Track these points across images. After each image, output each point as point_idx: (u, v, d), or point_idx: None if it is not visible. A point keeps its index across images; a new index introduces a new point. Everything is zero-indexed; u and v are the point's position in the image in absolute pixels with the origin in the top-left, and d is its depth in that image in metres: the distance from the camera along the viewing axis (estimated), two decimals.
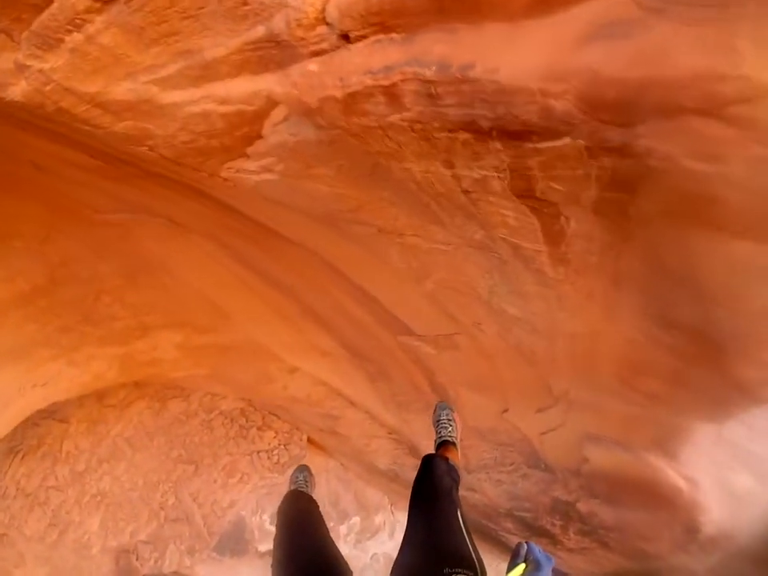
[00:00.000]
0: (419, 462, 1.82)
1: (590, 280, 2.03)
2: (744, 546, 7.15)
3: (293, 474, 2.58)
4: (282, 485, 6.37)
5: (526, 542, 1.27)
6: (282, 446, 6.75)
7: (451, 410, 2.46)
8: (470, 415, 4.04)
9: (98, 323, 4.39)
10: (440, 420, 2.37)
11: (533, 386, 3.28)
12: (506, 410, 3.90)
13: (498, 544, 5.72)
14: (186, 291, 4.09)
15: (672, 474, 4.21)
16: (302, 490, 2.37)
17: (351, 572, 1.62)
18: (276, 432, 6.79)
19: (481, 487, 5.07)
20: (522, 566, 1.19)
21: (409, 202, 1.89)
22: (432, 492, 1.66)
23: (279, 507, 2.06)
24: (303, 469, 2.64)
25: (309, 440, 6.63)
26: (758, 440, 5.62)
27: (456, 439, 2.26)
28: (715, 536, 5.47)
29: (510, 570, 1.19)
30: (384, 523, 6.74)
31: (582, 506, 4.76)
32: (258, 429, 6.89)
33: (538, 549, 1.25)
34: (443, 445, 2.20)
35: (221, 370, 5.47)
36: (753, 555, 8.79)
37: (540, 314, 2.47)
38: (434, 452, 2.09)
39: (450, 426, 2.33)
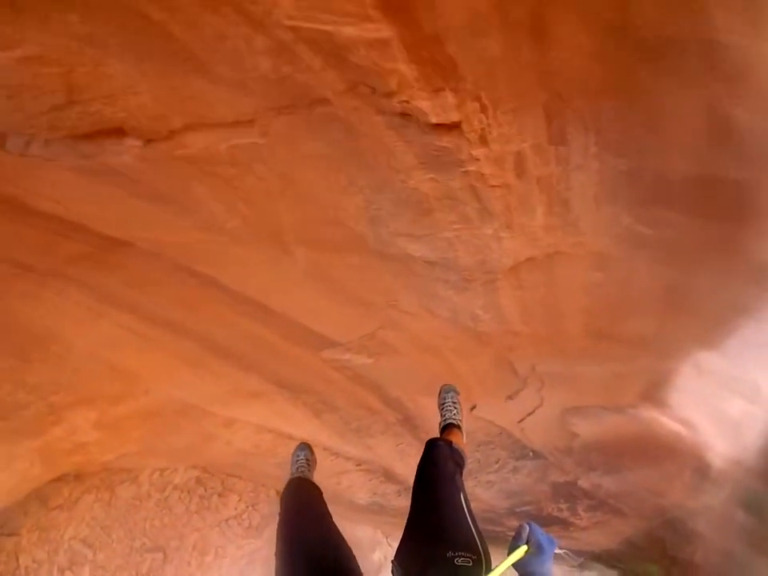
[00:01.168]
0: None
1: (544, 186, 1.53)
2: (753, 466, 7.01)
3: (293, 454, 2.45)
4: (262, 549, 5.81)
5: (528, 523, 1.20)
6: (250, 508, 6.08)
7: (456, 392, 2.38)
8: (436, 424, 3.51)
9: (6, 416, 3.63)
10: (444, 403, 2.29)
11: (494, 371, 2.78)
12: (473, 407, 3.36)
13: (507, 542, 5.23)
14: (80, 357, 3.38)
15: (667, 421, 3.81)
16: (304, 475, 2.26)
17: (357, 563, 1.57)
18: (239, 494, 6.09)
19: (473, 493, 4.52)
20: (524, 547, 1.13)
21: None
22: (435, 477, 1.62)
23: (282, 495, 2.00)
24: (303, 447, 2.49)
25: (278, 493, 5.88)
26: (735, 365, 5.39)
27: (461, 422, 2.19)
28: (725, 467, 5.17)
29: (511, 551, 1.14)
30: (384, 558, 6.07)
31: (584, 482, 4.32)
32: (220, 495, 6.23)
33: (540, 530, 1.18)
34: (447, 428, 2.12)
35: (153, 442, 4.71)
36: (762, 471, 8.73)
37: (463, 241, 1.93)
38: (437, 436, 2.00)
39: (455, 408, 2.26)
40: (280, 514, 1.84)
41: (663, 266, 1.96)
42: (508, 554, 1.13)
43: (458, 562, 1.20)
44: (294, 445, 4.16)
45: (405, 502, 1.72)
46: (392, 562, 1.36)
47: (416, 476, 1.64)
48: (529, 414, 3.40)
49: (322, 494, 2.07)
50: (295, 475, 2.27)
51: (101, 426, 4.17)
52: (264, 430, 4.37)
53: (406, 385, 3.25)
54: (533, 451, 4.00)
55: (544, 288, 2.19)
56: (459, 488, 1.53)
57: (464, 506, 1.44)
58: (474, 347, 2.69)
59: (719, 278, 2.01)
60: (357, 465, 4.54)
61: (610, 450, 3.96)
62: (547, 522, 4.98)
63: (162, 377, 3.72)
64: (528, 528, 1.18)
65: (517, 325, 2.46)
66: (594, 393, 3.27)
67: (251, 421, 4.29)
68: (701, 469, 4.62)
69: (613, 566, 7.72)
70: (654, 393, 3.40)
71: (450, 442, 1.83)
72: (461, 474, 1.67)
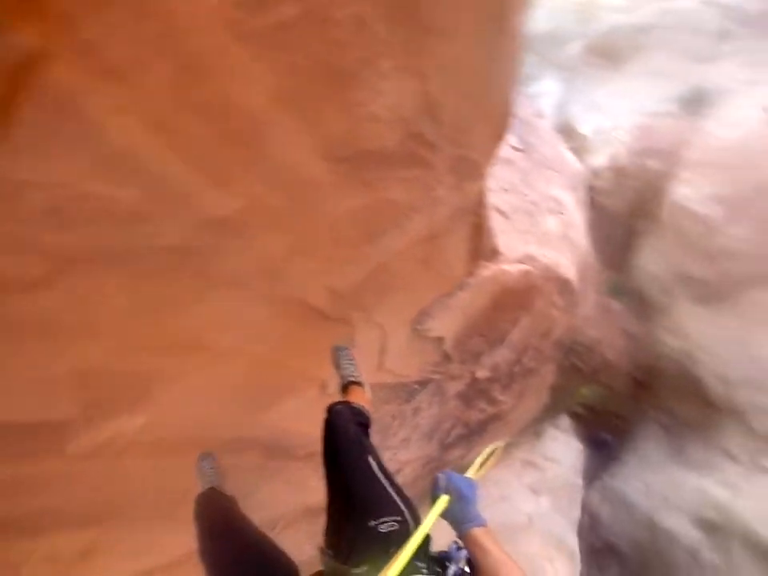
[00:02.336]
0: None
1: None
2: (593, 252, 7.50)
3: (198, 465, 2.22)
4: None
5: (443, 472, 1.18)
6: None
7: (348, 349, 2.27)
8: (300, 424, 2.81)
9: None
10: (340, 361, 2.18)
11: (295, 332, 2.10)
12: (323, 387, 2.66)
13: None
14: None
15: (509, 267, 3.52)
16: (213, 486, 2.07)
17: (290, 560, 1.51)
18: None
19: (401, 461, 3.96)
20: (445, 497, 1.11)
21: None
22: (338, 447, 1.50)
23: (195, 514, 1.84)
24: (206, 456, 2.27)
25: None
26: (533, 191, 5.49)
27: (360, 377, 2.08)
28: (577, 272, 5.27)
29: (433, 503, 1.11)
30: None
31: (481, 372, 3.98)
32: None
33: (456, 476, 1.16)
34: (347, 387, 2.01)
35: None
36: (604, 259, 9.54)
37: None
38: (336, 400, 1.80)
39: (351, 364, 2.16)
40: (198, 538, 1.71)
41: None
42: (431, 507, 1.10)
43: (383, 528, 1.16)
44: None
45: None
46: (319, 548, 1.28)
47: (322, 450, 1.55)
48: (382, 353, 2.81)
49: (236, 503, 1.96)
50: (206, 488, 2.08)
51: None
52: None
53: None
54: (416, 383, 3.48)
55: None
56: (367, 450, 1.46)
57: (375, 468, 1.38)
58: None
59: None
60: None
61: (480, 327, 3.61)
62: (479, 427, 4.66)
63: None
64: (444, 477, 1.16)
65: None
66: (424, 287, 2.77)
67: None
68: (563, 287, 4.57)
69: (553, 416, 8.05)
70: (479, 251, 3.03)
71: (349, 403, 1.73)
72: (366, 434, 1.60)
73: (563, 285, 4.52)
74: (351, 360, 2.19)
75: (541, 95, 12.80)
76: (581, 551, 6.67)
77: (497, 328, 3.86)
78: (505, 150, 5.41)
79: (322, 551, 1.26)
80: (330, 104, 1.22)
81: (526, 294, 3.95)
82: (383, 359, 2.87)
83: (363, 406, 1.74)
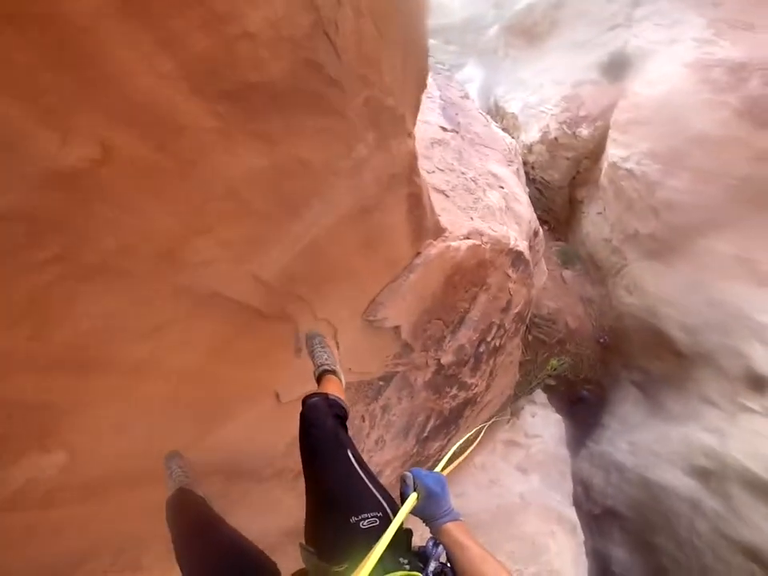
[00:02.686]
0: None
1: None
2: (531, 230, 7.53)
3: (165, 467, 2.09)
4: None
5: (410, 471, 1.15)
6: None
7: (322, 336, 2.22)
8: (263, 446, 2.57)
9: None
10: (313, 348, 2.12)
11: (227, 335, 1.90)
12: (278, 396, 2.46)
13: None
14: None
15: (456, 245, 3.40)
16: (184, 487, 2.00)
17: (267, 558, 1.50)
18: None
19: (379, 462, 3.78)
20: (414, 495, 1.09)
21: None
22: (315, 442, 1.47)
23: (167, 519, 1.81)
24: (173, 456, 2.13)
25: None
26: (469, 170, 5.45)
27: (335, 365, 2.02)
28: (530, 244, 5.24)
29: (402, 502, 1.10)
30: None
31: (445, 356, 3.84)
32: None
33: (423, 473, 1.14)
34: (322, 376, 1.95)
35: None
36: (552, 230, 9.62)
37: None
38: (311, 392, 1.76)
39: (325, 351, 2.09)
40: (173, 542, 1.66)
41: None
42: (400, 506, 1.08)
43: (364, 525, 1.14)
44: None
45: None
46: (300, 545, 1.23)
47: (299, 445, 1.51)
48: (340, 352, 2.63)
49: (207, 502, 1.93)
50: (175, 488, 2.01)
51: None
52: None
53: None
54: (380, 379, 3.31)
55: None
56: (345, 444, 1.43)
57: (354, 463, 1.36)
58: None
59: None
60: None
61: (437, 310, 3.48)
62: (455, 415, 4.52)
63: None
64: (411, 475, 1.14)
65: None
66: (370, 274, 2.62)
67: None
68: (515, 258, 4.50)
69: (527, 393, 8.05)
70: (423, 229, 2.89)
71: (326, 395, 1.67)
72: (344, 427, 1.56)
73: (515, 257, 4.44)
74: (325, 347, 2.13)
75: (466, 82, 12.96)
76: (580, 521, 6.62)
77: (454, 309, 3.73)
78: (435, 132, 5.36)
79: (304, 548, 1.22)
80: (184, 15, 0.96)
81: (479, 269, 3.85)
82: (339, 358, 2.69)
83: (339, 398, 1.70)
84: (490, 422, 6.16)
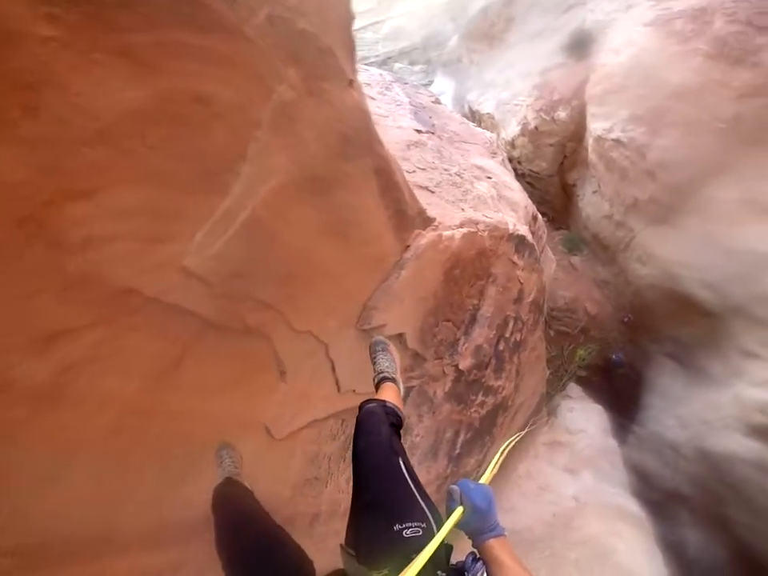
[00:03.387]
0: None
1: None
2: (526, 219, 7.22)
3: (216, 455, 2.09)
4: None
5: (456, 484, 1.15)
6: None
7: (386, 342, 2.18)
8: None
9: None
10: (375, 355, 2.11)
11: (179, 355, 1.59)
12: (268, 430, 2.14)
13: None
14: None
15: (450, 234, 3.11)
16: (232, 477, 2.00)
17: (305, 555, 1.52)
18: None
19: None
20: (459, 509, 1.08)
21: None
22: (369, 448, 1.46)
23: (212, 506, 1.79)
24: (224, 446, 2.13)
25: None
26: (454, 163, 5.21)
27: (395, 373, 2.01)
28: (532, 231, 4.96)
29: (448, 516, 1.08)
30: None
31: (463, 362, 3.49)
32: None
33: (469, 486, 1.12)
34: (381, 383, 1.93)
35: None
36: (551, 221, 9.32)
37: None
38: (370, 397, 1.76)
39: (386, 359, 2.07)
40: (215, 530, 1.67)
41: None
42: (445, 520, 1.07)
43: (407, 534, 1.14)
44: None
45: None
46: (341, 546, 1.27)
47: (352, 448, 1.51)
48: (332, 372, 2.32)
49: (253, 493, 1.94)
50: (223, 478, 1.99)
51: None
52: None
53: None
54: (403, 395, 2.97)
55: None
56: (398, 452, 1.43)
57: (404, 471, 1.35)
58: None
59: None
60: None
61: (443, 310, 3.17)
62: (487, 424, 4.15)
63: None
64: (458, 489, 1.13)
65: None
66: (352, 271, 2.31)
67: None
68: (518, 244, 4.20)
69: (561, 390, 7.63)
70: (405, 216, 2.59)
71: (384, 402, 1.65)
72: (398, 435, 1.56)
73: (518, 242, 4.14)
74: (388, 355, 2.11)
75: (437, 95, 12.95)
76: (643, 512, 6.11)
77: (462, 307, 3.42)
78: (410, 135, 5.14)
79: (344, 550, 1.24)
80: None
81: (480, 259, 3.54)
82: (337, 378, 2.37)
83: (397, 406, 1.68)
84: (528, 429, 5.80)
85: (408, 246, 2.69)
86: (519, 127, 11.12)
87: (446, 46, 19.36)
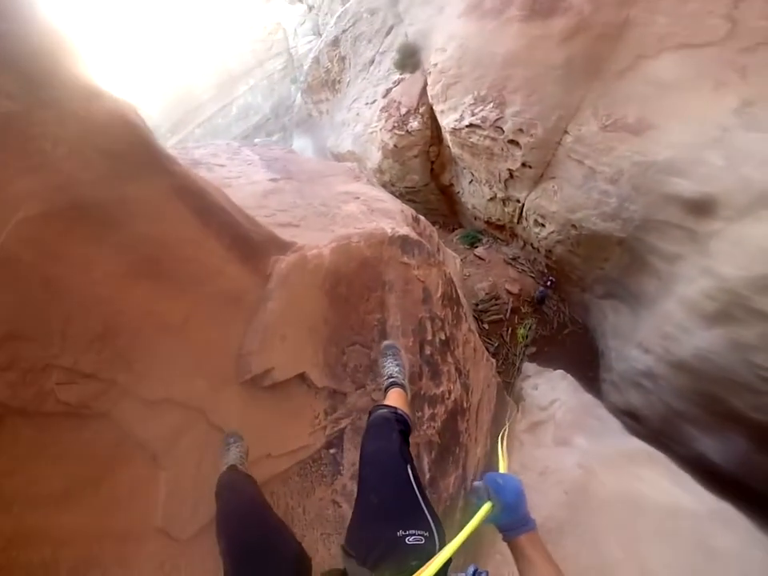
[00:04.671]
0: None
1: None
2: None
3: (224, 440, 2.12)
4: None
5: (482, 478, 1.15)
6: None
7: (397, 348, 2.25)
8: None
9: None
10: (384, 359, 2.16)
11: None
12: (167, 533, 1.72)
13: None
14: None
15: (319, 251, 2.86)
16: (235, 465, 1.97)
17: (301, 548, 1.51)
18: None
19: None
20: (488, 504, 1.07)
21: None
22: (378, 453, 1.50)
23: (216, 493, 1.80)
24: (233, 434, 2.13)
25: None
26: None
27: (404, 379, 2.04)
28: (417, 233, 4.84)
29: (473, 512, 1.06)
30: None
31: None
32: None
33: (498, 482, 1.11)
34: (389, 388, 1.97)
35: None
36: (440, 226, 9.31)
37: None
38: (380, 402, 1.82)
39: (397, 365, 2.11)
40: (216, 514, 1.68)
41: None
42: (471, 516, 1.05)
43: (410, 540, 1.15)
44: None
45: None
46: (342, 546, 1.27)
47: (360, 452, 1.56)
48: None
49: (256, 485, 1.91)
50: (229, 465, 1.98)
51: None
52: None
53: None
54: (325, 446, 2.61)
55: None
56: (406, 460, 1.44)
57: (411, 479, 1.36)
58: None
59: None
60: None
61: (343, 335, 2.85)
62: (450, 435, 3.82)
63: None
64: (484, 486, 1.12)
65: None
66: (199, 324, 1.97)
67: None
68: (403, 243, 4.03)
69: (517, 374, 7.47)
70: (248, 246, 2.30)
71: (395, 409, 1.69)
72: (407, 442, 1.57)
73: (402, 242, 3.96)
74: (397, 359, 2.10)
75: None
76: (651, 446, 5.84)
77: (366, 324, 3.14)
78: (265, 185, 4.97)
79: (345, 550, 1.24)
80: None
81: (367, 270, 3.32)
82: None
83: (406, 413, 1.70)
84: (509, 423, 5.51)
85: (269, 275, 2.41)
86: (380, 152, 11.36)
87: (293, 106, 20.01)
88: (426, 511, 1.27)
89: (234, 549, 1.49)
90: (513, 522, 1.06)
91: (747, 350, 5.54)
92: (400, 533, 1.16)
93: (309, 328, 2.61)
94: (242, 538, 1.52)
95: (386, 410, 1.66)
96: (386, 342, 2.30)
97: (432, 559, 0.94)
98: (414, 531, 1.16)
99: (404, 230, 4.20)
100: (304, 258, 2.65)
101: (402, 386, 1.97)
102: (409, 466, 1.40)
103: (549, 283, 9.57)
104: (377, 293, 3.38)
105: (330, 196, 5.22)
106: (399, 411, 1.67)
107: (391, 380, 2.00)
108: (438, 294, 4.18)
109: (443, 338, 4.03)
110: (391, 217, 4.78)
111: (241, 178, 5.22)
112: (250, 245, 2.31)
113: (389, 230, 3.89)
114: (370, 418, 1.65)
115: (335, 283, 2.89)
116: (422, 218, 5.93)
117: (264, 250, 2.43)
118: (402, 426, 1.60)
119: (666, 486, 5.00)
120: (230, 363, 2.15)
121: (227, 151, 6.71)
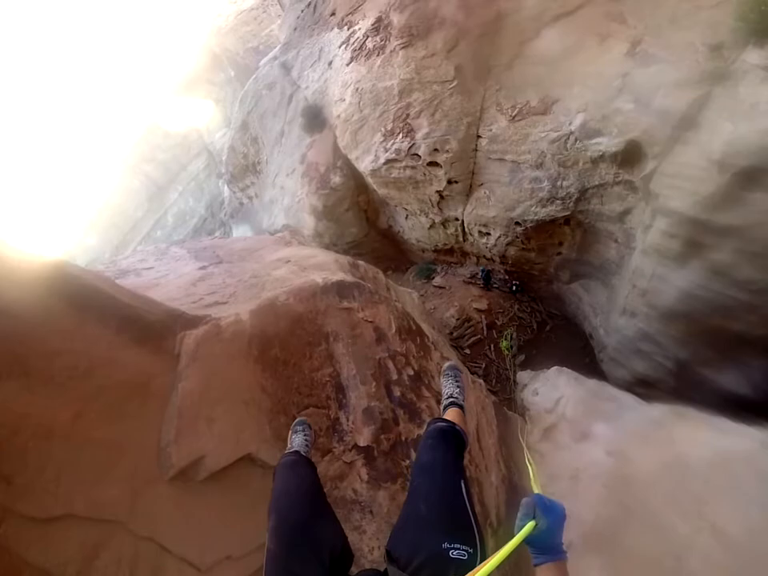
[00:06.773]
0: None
1: None
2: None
3: (293, 428, 2.21)
4: None
5: (531, 497, 1.11)
6: None
7: (459, 370, 2.25)
8: None
9: None
10: (446, 380, 2.18)
11: None
12: None
13: None
14: None
15: (237, 317, 2.57)
16: (302, 451, 2.05)
17: (347, 541, 1.54)
18: None
19: None
20: (532, 523, 1.05)
21: None
22: (435, 462, 1.51)
23: (276, 470, 1.85)
24: (304, 423, 2.25)
25: None
26: None
27: (463, 400, 2.07)
28: (357, 277, 4.60)
29: (518, 529, 1.05)
30: None
31: (359, 437, 2.82)
32: None
33: (546, 503, 1.09)
34: (449, 407, 1.98)
35: None
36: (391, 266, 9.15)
37: None
38: (439, 417, 1.87)
39: (459, 386, 2.13)
40: (273, 491, 1.71)
41: None
42: (515, 532, 1.04)
43: (453, 554, 1.15)
44: None
45: None
46: (386, 549, 1.30)
47: (416, 460, 1.60)
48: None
49: (315, 470, 1.94)
50: (293, 450, 2.05)
51: None
52: None
53: None
54: None
55: None
56: (461, 474, 1.46)
57: (464, 493, 1.37)
58: None
59: None
60: None
61: (291, 400, 2.52)
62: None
63: None
64: (533, 502, 1.10)
65: None
66: (123, 449, 1.62)
67: None
68: (339, 289, 3.78)
69: (514, 385, 7.13)
70: (139, 326, 1.99)
71: (454, 424, 1.69)
72: (462, 456, 1.60)
73: (338, 288, 3.72)
74: (460, 383, 2.13)
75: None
76: (673, 404, 5.48)
77: (315, 383, 2.81)
78: (193, 275, 4.79)
79: (389, 555, 1.26)
80: None
81: (303, 326, 3.04)
82: (183, 556, 1.61)
83: (464, 430, 1.69)
84: (525, 442, 5.35)
85: (178, 355, 2.10)
86: (312, 216, 11.31)
87: (223, 200, 20.16)
88: (475, 528, 1.26)
89: (281, 527, 1.49)
90: (549, 546, 1.05)
91: (726, 270, 5.43)
92: (445, 545, 1.15)
93: (244, 402, 2.29)
94: (291, 518, 1.52)
95: (443, 424, 1.67)
96: (447, 363, 2.29)
97: (473, 571, 0.91)
98: (459, 546, 1.15)
99: (338, 276, 3.96)
100: (216, 328, 2.36)
101: (461, 407, 1.97)
102: (462, 480, 1.40)
103: (514, 288, 9.42)
104: (321, 347, 3.08)
105: (261, 267, 5.02)
106: (457, 426, 1.67)
107: (451, 399, 2.01)
108: (393, 330, 3.88)
109: (411, 372, 3.71)
110: (325, 269, 4.58)
111: (169, 275, 5.05)
112: (143, 325, 2.03)
113: (320, 281, 3.64)
114: (427, 430, 1.67)
115: (265, 347, 2.59)
116: (361, 262, 5.75)
117: (165, 329, 2.16)
118: (458, 440, 1.61)
119: (705, 437, 4.66)
120: (150, 461, 1.81)
121: (155, 254, 6.58)
